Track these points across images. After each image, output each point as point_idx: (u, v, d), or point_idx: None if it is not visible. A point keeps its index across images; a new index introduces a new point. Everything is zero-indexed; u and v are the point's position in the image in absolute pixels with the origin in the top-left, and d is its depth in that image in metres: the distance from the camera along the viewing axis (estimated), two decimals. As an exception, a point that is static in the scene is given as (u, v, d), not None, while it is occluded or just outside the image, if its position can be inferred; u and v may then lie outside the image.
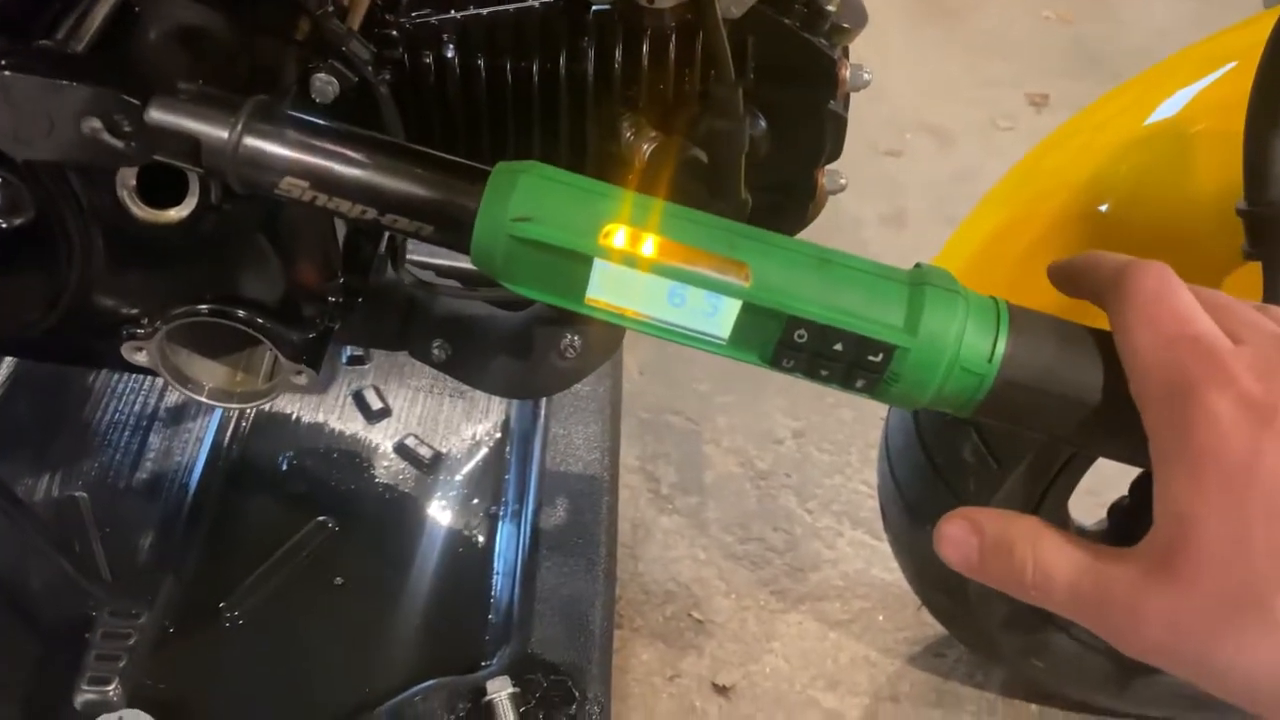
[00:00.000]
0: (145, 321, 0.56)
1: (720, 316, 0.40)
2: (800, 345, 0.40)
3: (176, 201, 0.51)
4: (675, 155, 0.58)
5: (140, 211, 0.49)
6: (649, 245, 0.40)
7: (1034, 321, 0.40)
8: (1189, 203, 0.69)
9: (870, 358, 0.39)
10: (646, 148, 0.59)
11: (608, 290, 0.41)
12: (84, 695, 0.64)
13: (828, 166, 0.66)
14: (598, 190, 0.41)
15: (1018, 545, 0.36)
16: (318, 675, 0.78)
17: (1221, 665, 0.32)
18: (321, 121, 0.45)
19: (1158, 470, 0.34)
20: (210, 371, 0.61)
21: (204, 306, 0.56)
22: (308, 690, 0.77)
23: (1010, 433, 0.41)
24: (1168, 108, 0.73)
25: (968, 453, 0.83)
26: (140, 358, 0.57)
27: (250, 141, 0.43)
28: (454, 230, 0.42)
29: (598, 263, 0.40)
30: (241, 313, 0.56)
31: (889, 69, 2.08)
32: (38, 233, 0.51)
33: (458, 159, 0.45)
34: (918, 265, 0.42)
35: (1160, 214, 0.70)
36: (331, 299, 0.58)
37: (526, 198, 0.40)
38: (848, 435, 1.46)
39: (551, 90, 0.58)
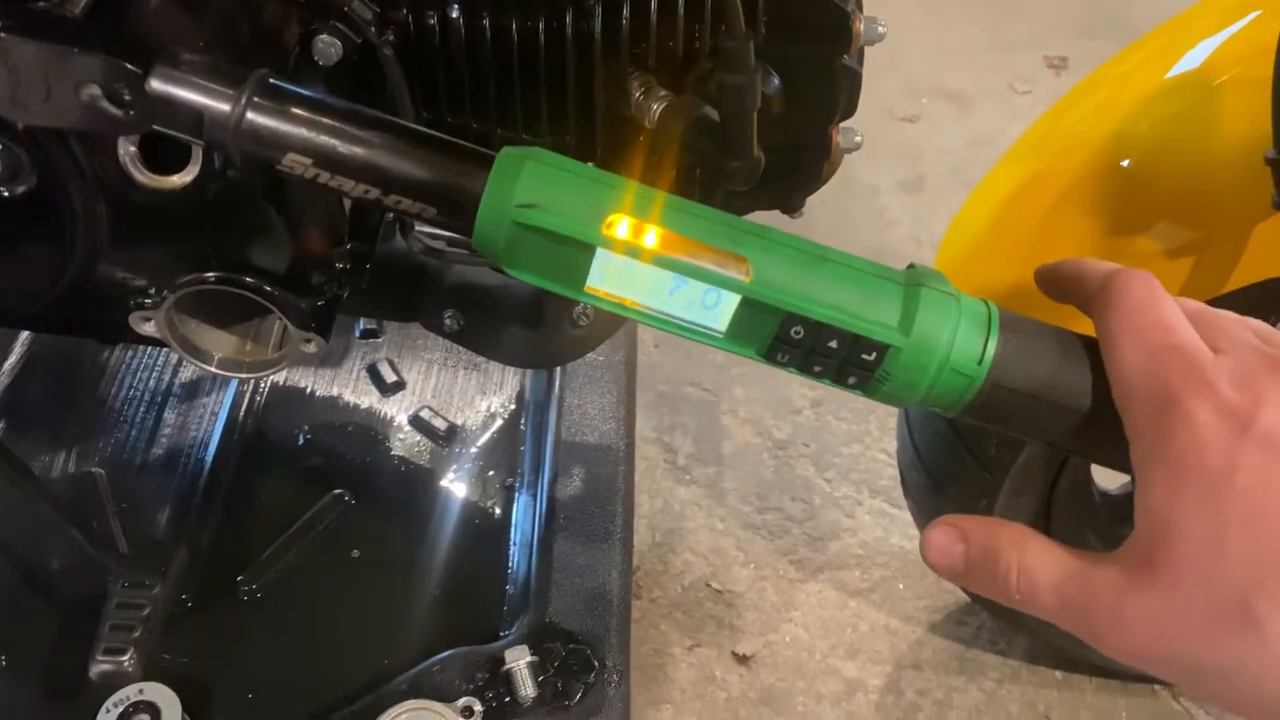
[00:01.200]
0: (152, 291, 0.55)
1: (719, 310, 0.41)
2: (796, 341, 0.40)
3: (180, 167, 0.50)
4: (686, 114, 0.56)
5: (143, 177, 0.48)
6: (651, 237, 0.40)
7: (1023, 326, 0.40)
8: (1215, 154, 0.67)
9: (864, 356, 0.40)
10: (656, 107, 0.57)
11: (608, 279, 0.41)
12: (99, 666, 0.64)
13: (842, 124, 0.64)
14: (602, 180, 0.41)
15: (1003, 552, 0.37)
16: (336, 647, 0.78)
17: (1202, 667, 0.33)
18: (328, 99, 0.44)
19: (1139, 475, 0.35)
20: (219, 341, 0.60)
21: (211, 274, 0.55)
22: (326, 662, 0.77)
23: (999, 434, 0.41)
24: (1191, 59, 0.71)
25: (988, 416, 0.82)
26: (148, 328, 0.56)
27: (254, 117, 0.42)
28: (457, 213, 0.43)
29: (600, 252, 0.40)
30: (249, 280, 0.55)
31: (905, 34, 2.05)
32: (41, 201, 0.50)
33: (462, 142, 0.44)
34: (911, 266, 0.42)
35: (1186, 167, 0.69)
36: (339, 265, 0.58)
37: (532, 184, 0.41)
38: (866, 404, 1.45)
39: (558, 50, 0.57)
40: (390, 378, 0.97)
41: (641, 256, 0.40)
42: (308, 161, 0.42)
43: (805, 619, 1.20)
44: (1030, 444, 0.79)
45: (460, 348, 0.71)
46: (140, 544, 0.75)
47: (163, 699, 0.68)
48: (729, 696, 1.13)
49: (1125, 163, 0.72)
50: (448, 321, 0.68)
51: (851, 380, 0.41)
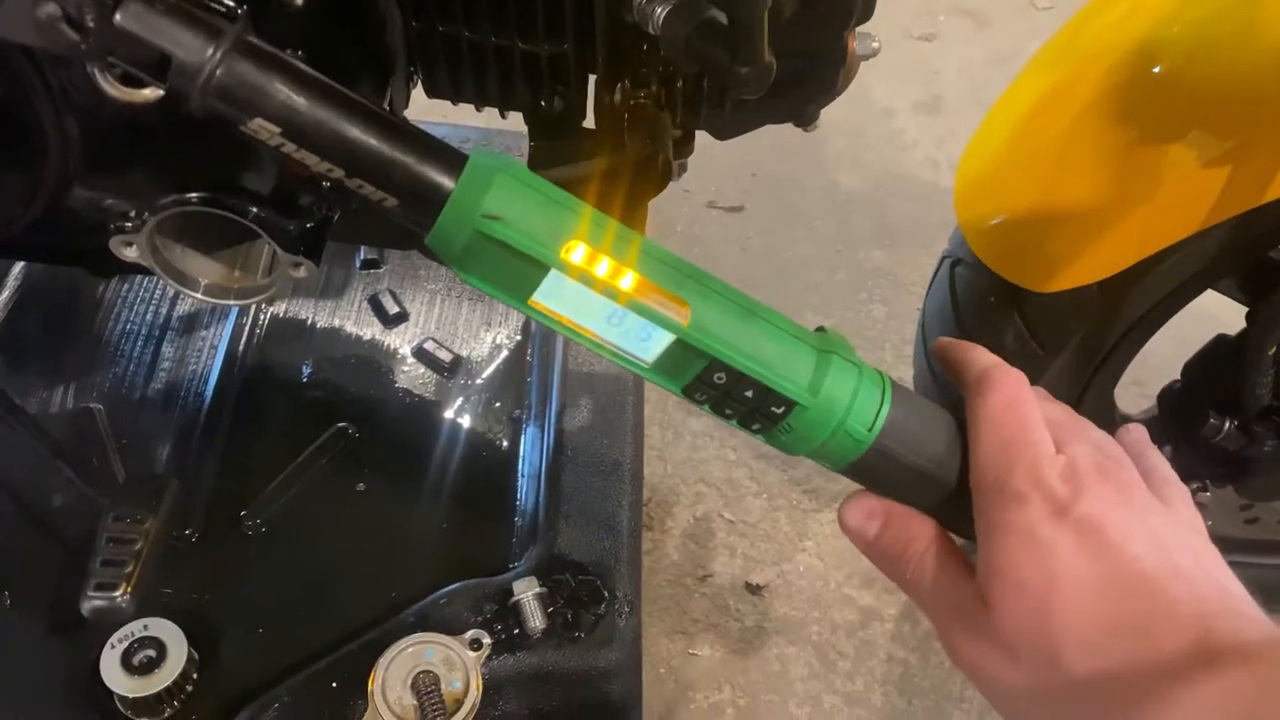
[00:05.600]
0: (132, 214, 0.53)
1: (650, 344, 0.43)
2: (716, 385, 0.44)
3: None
4: (692, 17, 0.53)
5: (113, 90, 0.45)
6: (604, 267, 0.42)
7: (910, 402, 0.45)
8: (1254, 57, 0.63)
9: (774, 408, 0.43)
10: (660, 11, 0.54)
11: (554, 299, 0.43)
12: (91, 602, 0.63)
13: (858, 29, 0.61)
14: (567, 204, 0.43)
15: (914, 542, 0.44)
16: (342, 581, 0.77)
17: (1012, 690, 0.40)
18: (306, 69, 0.42)
19: (980, 545, 0.41)
20: (206, 267, 0.57)
21: (192, 195, 0.52)
22: (333, 596, 0.76)
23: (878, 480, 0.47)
24: (1229, -45, 0.67)
25: (1011, 338, 0.80)
26: (130, 253, 0.54)
27: (226, 75, 0.40)
28: (419, 210, 0.42)
29: (553, 273, 0.42)
30: (232, 201, 0.53)
31: (921, -52, 1.98)
32: (8, 118, 0.47)
33: (435, 137, 0.43)
34: (820, 328, 0.46)
35: (1221, 72, 0.65)
36: (326, 184, 0.55)
37: (500, 197, 0.41)
38: (881, 331, 1.42)
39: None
40: (392, 309, 0.95)
41: (593, 285, 0.42)
42: (275, 130, 0.41)
43: (819, 548, 1.19)
44: (1086, 327, 0.80)
45: (462, 276, 0.69)
46: (131, 479, 0.73)
47: (168, 634, 0.68)
48: (743, 626, 1.12)
49: (1156, 69, 0.68)
50: (447, 247, 0.66)
51: (756, 426, 0.45)
